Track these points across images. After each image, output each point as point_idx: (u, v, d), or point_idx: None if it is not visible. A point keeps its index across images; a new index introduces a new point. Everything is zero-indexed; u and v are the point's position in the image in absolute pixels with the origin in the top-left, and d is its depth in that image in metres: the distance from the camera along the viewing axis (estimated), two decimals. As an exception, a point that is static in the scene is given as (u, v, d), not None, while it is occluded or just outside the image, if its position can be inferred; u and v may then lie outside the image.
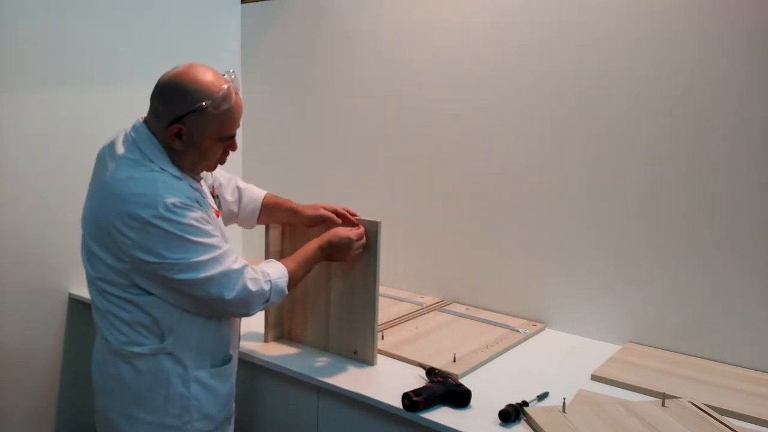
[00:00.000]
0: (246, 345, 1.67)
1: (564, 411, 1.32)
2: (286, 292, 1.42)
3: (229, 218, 1.65)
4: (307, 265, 1.50)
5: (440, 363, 1.57)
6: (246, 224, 1.70)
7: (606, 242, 1.82)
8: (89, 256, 1.32)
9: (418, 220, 2.22)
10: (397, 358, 1.64)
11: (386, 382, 1.50)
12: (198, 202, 1.32)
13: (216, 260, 1.29)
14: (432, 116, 2.14)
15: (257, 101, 2.56)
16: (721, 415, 1.33)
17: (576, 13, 1.81)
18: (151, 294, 1.29)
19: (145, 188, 1.25)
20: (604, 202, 1.81)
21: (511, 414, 1.29)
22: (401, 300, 2.16)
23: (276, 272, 1.40)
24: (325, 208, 1.63)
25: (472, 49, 2.02)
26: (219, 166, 1.44)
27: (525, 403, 1.34)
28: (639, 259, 1.76)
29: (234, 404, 1.51)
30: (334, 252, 1.52)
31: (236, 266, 1.32)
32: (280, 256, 1.56)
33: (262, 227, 1.71)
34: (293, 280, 1.44)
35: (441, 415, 1.33)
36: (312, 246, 1.51)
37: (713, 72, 1.61)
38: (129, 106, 1.91)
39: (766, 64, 1.54)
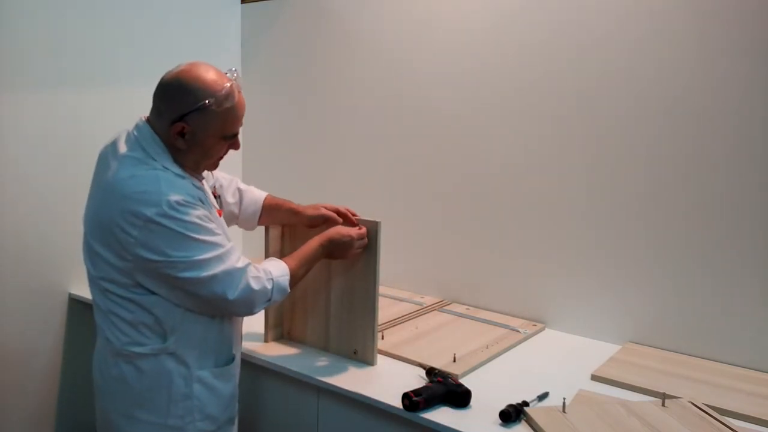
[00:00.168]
0: (246, 345, 1.67)
1: (564, 411, 1.32)
2: (288, 291, 1.42)
3: (230, 220, 1.65)
4: (309, 263, 1.50)
5: (440, 363, 1.57)
6: (247, 226, 1.70)
7: (606, 242, 1.82)
8: (91, 256, 1.32)
9: (418, 220, 2.22)
10: (397, 358, 1.64)
11: (386, 382, 1.50)
12: (201, 201, 1.32)
13: (219, 258, 1.28)
14: (432, 116, 2.14)
15: (257, 101, 2.56)
16: (721, 415, 1.33)
17: (576, 13, 1.81)
18: (153, 293, 1.29)
19: (148, 186, 1.25)
20: (604, 202, 1.81)
21: (511, 414, 1.29)
22: (401, 300, 2.16)
23: (278, 270, 1.40)
24: (326, 208, 1.63)
25: (472, 49, 2.02)
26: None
27: (525, 403, 1.34)
28: (639, 259, 1.76)
29: (237, 405, 1.50)
30: (335, 249, 1.52)
31: (239, 265, 1.32)
32: (280, 256, 1.56)
33: (263, 228, 1.71)
34: (295, 278, 1.44)
35: (441, 415, 1.33)
36: (313, 243, 1.51)
37: (713, 72, 1.61)
38: (129, 106, 1.91)
39: (766, 64, 1.54)
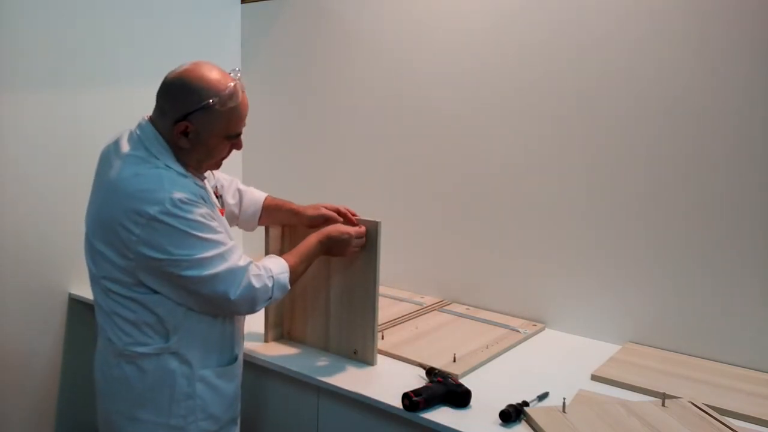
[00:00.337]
0: (246, 345, 1.67)
1: (564, 411, 1.32)
2: (289, 288, 1.42)
3: (231, 220, 1.65)
4: (308, 260, 1.49)
5: (440, 363, 1.57)
6: (247, 226, 1.70)
7: (606, 242, 1.82)
8: (93, 255, 1.32)
9: (418, 220, 2.22)
10: (397, 358, 1.64)
11: (386, 382, 1.50)
12: (203, 199, 1.32)
13: (221, 257, 1.29)
14: (432, 116, 2.14)
15: (257, 101, 2.54)
16: (721, 415, 1.33)
17: (576, 13, 1.81)
18: (156, 292, 1.29)
19: (151, 184, 1.25)
20: (604, 202, 1.81)
21: (511, 414, 1.29)
22: (401, 300, 2.16)
23: (277, 268, 1.40)
24: (326, 208, 1.63)
25: (472, 49, 2.02)
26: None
27: (525, 403, 1.34)
28: (639, 259, 1.76)
29: (240, 405, 1.50)
30: (333, 246, 1.52)
31: (242, 263, 1.32)
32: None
33: (263, 228, 1.71)
34: (295, 275, 1.44)
35: (441, 415, 1.33)
36: (312, 240, 1.51)
37: (713, 72, 1.61)
38: (129, 106, 1.92)
39: (766, 64, 1.54)
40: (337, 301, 1.65)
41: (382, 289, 1.80)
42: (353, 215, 1.62)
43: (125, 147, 1.32)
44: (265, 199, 1.69)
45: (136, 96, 2.12)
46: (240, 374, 1.49)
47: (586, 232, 1.85)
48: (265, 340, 1.74)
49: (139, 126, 1.34)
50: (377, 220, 1.57)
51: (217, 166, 1.43)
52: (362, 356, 1.61)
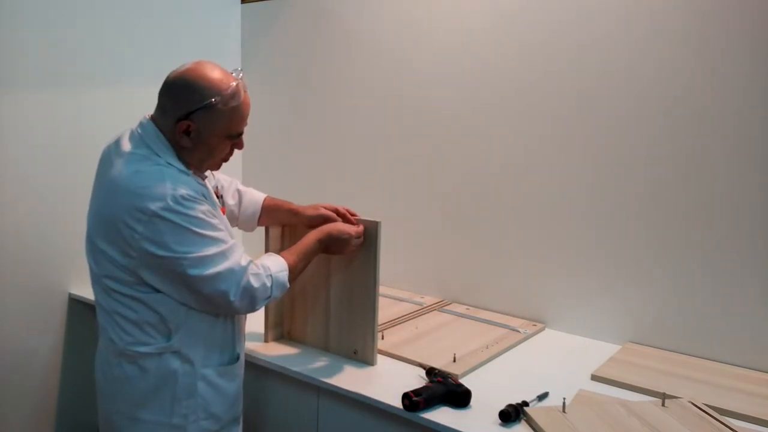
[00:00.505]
0: (246, 345, 1.66)
1: (564, 411, 1.32)
2: (288, 286, 1.42)
3: (230, 221, 1.64)
4: (307, 258, 1.49)
5: (440, 363, 1.57)
6: (246, 227, 1.70)
7: (606, 242, 1.82)
8: (94, 254, 1.32)
9: (418, 220, 2.22)
10: (397, 358, 1.64)
11: (386, 382, 1.50)
12: (204, 196, 1.32)
13: (223, 254, 1.28)
14: (432, 116, 2.14)
15: (257, 101, 2.54)
16: (721, 415, 1.33)
17: (576, 13, 1.81)
18: (158, 291, 1.29)
19: (152, 181, 1.25)
20: (604, 202, 1.81)
21: (511, 414, 1.29)
22: (401, 300, 2.16)
23: (276, 266, 1.40)
24: (325, 208, 1.63)
25: (472, 49, 2.02)
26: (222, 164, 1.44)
27: (525, 403, 1.34)
28: (639, 259, 1.76)
29: (242, 405, 1.50)
30: (332, 245, 1.52)
31: (243, 263, 1.32)
32: (280, 255, 1.56)
33: (263, 229, 1.71)
34: (294, 273, 1.44)
35: (441, 415, 1.33)
36: (311, 238, 1.51)
37: (713, 72, 1.61)
38: (129, 106, 1.92)
39: (766, 64, 1.54)
40: (337, 301, 1.65)
41: (382, 289, 1.80)
42: (352, 215, 1.62)
43: (126, 146, 1.32)
44: (265, 199, 1.69)
45: (137, 96, 2.12)
46: (242, 374, 1.49)
47: (586, 232, 1.85)
48: (265, 340, 1.74)
49: (141, 125, 1.35)
50: (377, 220, 1.57)
51: (218, 165, 1.43)
52: (362, 356, 1.61)
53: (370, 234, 1.57)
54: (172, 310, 1.31)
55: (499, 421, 1.30)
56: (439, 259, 2.19)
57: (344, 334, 1.64)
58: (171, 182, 1.25)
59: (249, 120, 1.40)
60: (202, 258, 1.26)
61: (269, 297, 1.38)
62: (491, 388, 1.46)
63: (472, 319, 1.97)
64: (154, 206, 1.22)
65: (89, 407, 2.08)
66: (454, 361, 1.60)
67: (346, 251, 1.55)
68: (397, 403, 1.36)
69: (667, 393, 1.40)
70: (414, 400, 1.33)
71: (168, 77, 1.32)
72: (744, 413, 1.36)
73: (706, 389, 1.47)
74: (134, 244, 1.24)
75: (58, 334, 2.15)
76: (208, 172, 1.49)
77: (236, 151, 1.43)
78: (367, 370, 1.57)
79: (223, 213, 1.45)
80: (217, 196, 1.53)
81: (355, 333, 1.62)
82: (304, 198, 1.79)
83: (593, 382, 1.54)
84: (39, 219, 2.04)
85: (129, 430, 1.35)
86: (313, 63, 2.46)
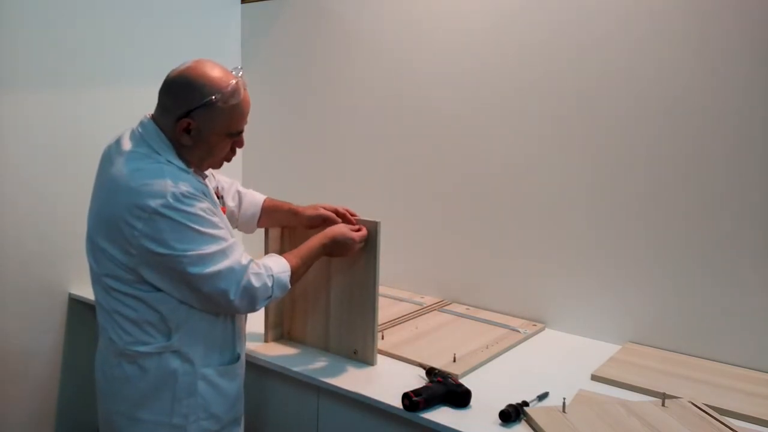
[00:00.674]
0: (246, 345, 1.67)
1: (564, 411, 1.32)
2: (289, 287, 1.42)
3: (230, 222, 1.64)
4: (309, 261, 1.49)
5: (440, 363, 1.57)
6: (246, 228, 1.70)
7: (606, 242, 1.82)
8: (95, 252, 1.32)
9: (418, 220, 2.22)
10: (397, 358, 1.64)
11: (386, 382, 1.50)
12: (204, 194, 1.32)
13: (223, 253, 1.28)
14: (432, 116, 2.14)
15: (257, 101, 2.54)
16: (721, 415, 1.33)
17: (576, 13, 1.81)
18: (158, 290, 1.29)
19: (153, 178, 1.24)
20: (604, 202, 1.81)
21: (511, 414, 1.29)
22: (401, 300, 2.16)
23: (278, 267, 1.40)
24: (325, 208, 1.63)
25: (472, 49, 2.02)
26: (225, 163, 1.44)
27: (525, 403, 1.34)
28: (639, 259, 1.76)
29: (243, 406, 1.50)
30: (335, 249, 1.52)
31: (243, 261, 1.32)
32: (281, 256, 1.56)
33: (263, 230, 1.71)
34: (296, 275, 1.44)
35: (441, 415, 1.33)
36: (315, 242, 1.51)
37: (713, 72, 1.61)
38: (129, 106, 1.92)
39: (766, 64, 1.54)
40: (337, 301, 1.65)
41: (382, 289, 1.80)
42: (352, 215, 1.62)
43: (127, 145, 1.32)
44: (264, 200, 1.69)
45: (137, 96, 2.12)
46: (242, 374, 1.49)
47: (586, 232, 1.85)
48: (265, 340, 1.74)
49: (141, 123, 1.35)
50: (377, 220, 1.57)
51: (219, 164, 1.43)
52: (362, 356, 1.61)
53: (370, 234, 1.57)
54: (172, 309, 1.30)
55: (499, 421, 1.30)
56: (439, 259, 2.19)
57: (344, 334, 1.64)
58: (171, 179, 1.25)
59: (249, 120, 1.40)
60: (202, 256, 1.25)
61: (270, 297, 1.37)
62: (491, 388, 1.46)
63: (472, 319, 1.97)
64: (154, 203, 1.22)
65: (89, 407, 2.08)
66: (454, 361, 1.60)
67: (347, 255, 1.55)
68: (397, 403, 1.36)
69: (667, 393, 1.40)
70: (414, 400, 1.33)
71: (168, 76, 1.32)
72: (744, 413, 1.36)
73: (706, 389, 1.47)
74: (134, 242, 1.24)
75: (58, 334, 2.15)
76: (208, 173, 1.49)
77: (237, 152, 1.43)
78: (367, 370, 1.57)
79: (224, 212, 1.45)
80: (218, 197, 1.53)
81: (355, 333, 1.62)
82: (304, 198, 1.79)
83: (593, 382, 1.54)
84: (39, 219, 2.04)
85: (129, 430, 1.35)
86: (313, 63, 2.46)
